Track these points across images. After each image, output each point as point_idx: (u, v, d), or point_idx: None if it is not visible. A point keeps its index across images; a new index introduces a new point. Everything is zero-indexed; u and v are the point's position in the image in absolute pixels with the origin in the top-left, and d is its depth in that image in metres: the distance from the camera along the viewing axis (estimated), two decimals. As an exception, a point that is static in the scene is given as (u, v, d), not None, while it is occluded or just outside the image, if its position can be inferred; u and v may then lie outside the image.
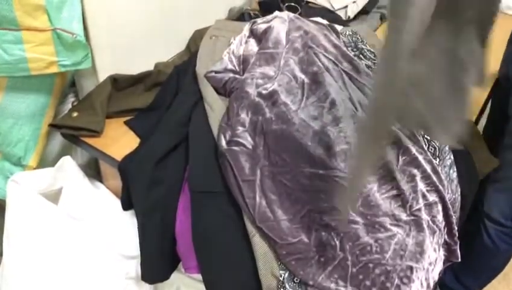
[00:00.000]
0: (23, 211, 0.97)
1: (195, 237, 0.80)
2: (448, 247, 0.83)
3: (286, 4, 1.28)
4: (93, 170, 1.15)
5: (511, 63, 1.20)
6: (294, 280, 0.74)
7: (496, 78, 1.26)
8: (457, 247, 0.84)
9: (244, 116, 0.90)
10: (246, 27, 1.14)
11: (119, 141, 1.02)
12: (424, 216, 0.81)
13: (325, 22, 1.22)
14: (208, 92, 1.00)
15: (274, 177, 0.82)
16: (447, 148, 0.92)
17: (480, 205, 1.23)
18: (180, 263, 0.87)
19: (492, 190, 1.20)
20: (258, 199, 0.79)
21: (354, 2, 1.42)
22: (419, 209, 0.82)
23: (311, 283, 0.73)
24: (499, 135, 1.17)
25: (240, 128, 0.88)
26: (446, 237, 0.84)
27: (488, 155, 1.07)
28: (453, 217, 0.83)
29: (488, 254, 1.31)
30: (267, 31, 1.07)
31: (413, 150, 0.88)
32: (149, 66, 1.17)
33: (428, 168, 0.86)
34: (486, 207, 1.22)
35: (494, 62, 1.24)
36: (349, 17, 1.43)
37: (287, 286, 0.74)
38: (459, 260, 0.85)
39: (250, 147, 0.86)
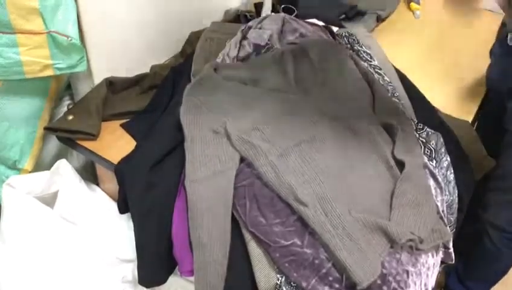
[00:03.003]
0: (19, 214, 0.97)
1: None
2: (444, 250, 0.83)
3: (282, 6, 1.28)
4: (89, 173, 1.14)
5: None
6: (291, 283, 0.74)
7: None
8: (452, 249, 0.84)
9: None
10: (240, 29, 1.13)
11: (115, 144, 1.02)
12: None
13: (320, 23, 1.22)
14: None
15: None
16: (443, 149, 0.92)
17: (480, 210, 1.22)
18: (177, 267, 0.87)
19: (495, 199, 1.20)
20: (248, 203, 0.79)
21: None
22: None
23: (304, 285, 0.72)
24: (495, 137, 1.17)
25: None
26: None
27: (485, 155, 1.07)
28: (451, 219, 0.83)
29: (491, 258, 1.31)
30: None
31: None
32: (145, 69, 1.17)
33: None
34: (490, 215, 1.21)
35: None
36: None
37: (284, 289, 0.74)
38: (453, 262, 0.85)
39: None
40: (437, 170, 0.89)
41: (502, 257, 1.30)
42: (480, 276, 1.39)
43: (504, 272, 1.40)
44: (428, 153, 0.91)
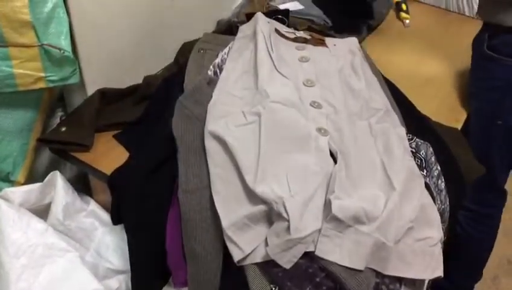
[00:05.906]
0: (12, 227, 0.96)
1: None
2: None
3: (274, 17, 1.29)
4: (82, 185, 1.14)
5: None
6: (286, 294, 0.74)
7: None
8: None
9: None
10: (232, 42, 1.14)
11: (108, 155, 1.02)
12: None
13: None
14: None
15: None
16: (433, 159, 0.93)
17: None
18: (171, 277, 0.87)
19: None
20: None
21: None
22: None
23: None
24: None
25: None
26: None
27: (474, 161, 1.08)
28: (443, 228, 0.84)
29: (465, 245, 1.32)
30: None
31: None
32: (138, 79, 1.17)
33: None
34: None
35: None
36: None
37: (278, 300, 0.74)
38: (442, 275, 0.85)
39: None
40: (428, 179, 0.90)
41: (473, 242, 1.32)
42: (462, 267, 1.40)
43: (482, 259, 1.41)
44: (418, 163, 0.92)
